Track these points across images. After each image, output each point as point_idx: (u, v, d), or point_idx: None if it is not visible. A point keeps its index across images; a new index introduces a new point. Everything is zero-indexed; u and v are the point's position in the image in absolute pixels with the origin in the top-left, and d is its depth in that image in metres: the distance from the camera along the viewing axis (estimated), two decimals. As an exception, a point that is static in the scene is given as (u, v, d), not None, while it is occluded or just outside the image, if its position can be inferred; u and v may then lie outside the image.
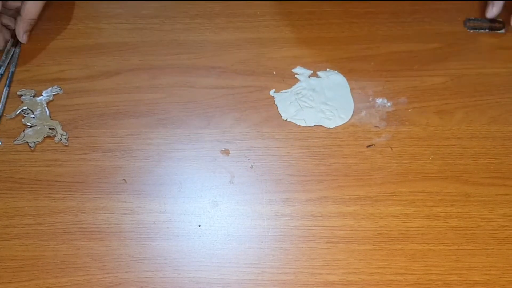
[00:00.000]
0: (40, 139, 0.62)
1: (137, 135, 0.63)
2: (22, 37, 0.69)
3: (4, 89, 0.66)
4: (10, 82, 0.67)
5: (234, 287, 0.53)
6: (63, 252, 0.54)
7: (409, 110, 0.65)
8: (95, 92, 0.66)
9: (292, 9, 0.75)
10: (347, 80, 0.68)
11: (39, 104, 0.65)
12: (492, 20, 0.73)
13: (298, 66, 0.69)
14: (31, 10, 0.67)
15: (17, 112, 0.64)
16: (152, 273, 0.53)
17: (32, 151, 0.61)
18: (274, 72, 0.68)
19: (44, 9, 0.72)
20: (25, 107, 0.64)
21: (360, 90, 0.67)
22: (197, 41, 0.71)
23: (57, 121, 0.63)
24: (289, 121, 0.64)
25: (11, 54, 0.68)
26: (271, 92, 0.67)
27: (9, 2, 0.68)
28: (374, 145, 0.62)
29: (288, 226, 0.56)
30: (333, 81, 0.68)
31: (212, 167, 0.60)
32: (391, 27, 0.73)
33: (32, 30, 0.71)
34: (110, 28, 0.73)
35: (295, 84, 0.67)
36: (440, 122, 0.64)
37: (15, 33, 0.70)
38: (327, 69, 0.69)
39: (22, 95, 0.65)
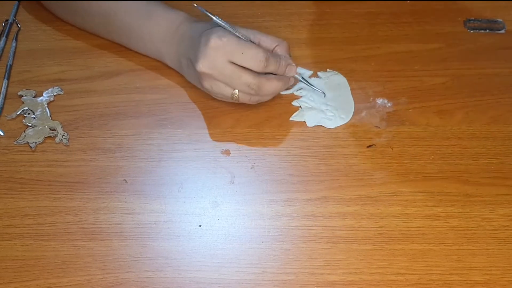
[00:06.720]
0: (40, 140, 0.62)
1: (138, 136, 0.63)
2: None
3: (3, 82, 0.66)
4: (9, 75, 0.67)
5: (234, 287, 0.52)
6: (63, 252, 0.54)
7: (410, 110, 0.65)
8: (95, 92, 0.66)
9: (293, 10, 0.75)
10: (348, 80, 0.68)
11: (40, 104, 0.65)
12: (492, 21, 0.73)
13: (299, 67, 0.69)
14: None
15: (18, 113, 0.64)
16: (153, 273, 0.53)
17: (33, 151, 0.61)
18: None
19: (45, 10, 0.72)
20: (26, 108, 0.65)
21: (360, 90, 0.67)
22: (197, 41, 0.71)
23: (57, 122, 0.63)
24: (289, 122, 0.64)
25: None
26: (272, 93, 0.67)
27: None
28: (375, 145, 0.62)
29: (289, 226, 0.56)
30: (333, 82, 0.68)
31: (213, 168, 0.60)
32: (392, 28, 0.73)
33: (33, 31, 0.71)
34: (110, 29, 0.73)
35: (295, 84, 0.67)
36: (441, 122, 0.64)
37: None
38: (328, 70, 0.69)
39: (22, 96, 0.65)
